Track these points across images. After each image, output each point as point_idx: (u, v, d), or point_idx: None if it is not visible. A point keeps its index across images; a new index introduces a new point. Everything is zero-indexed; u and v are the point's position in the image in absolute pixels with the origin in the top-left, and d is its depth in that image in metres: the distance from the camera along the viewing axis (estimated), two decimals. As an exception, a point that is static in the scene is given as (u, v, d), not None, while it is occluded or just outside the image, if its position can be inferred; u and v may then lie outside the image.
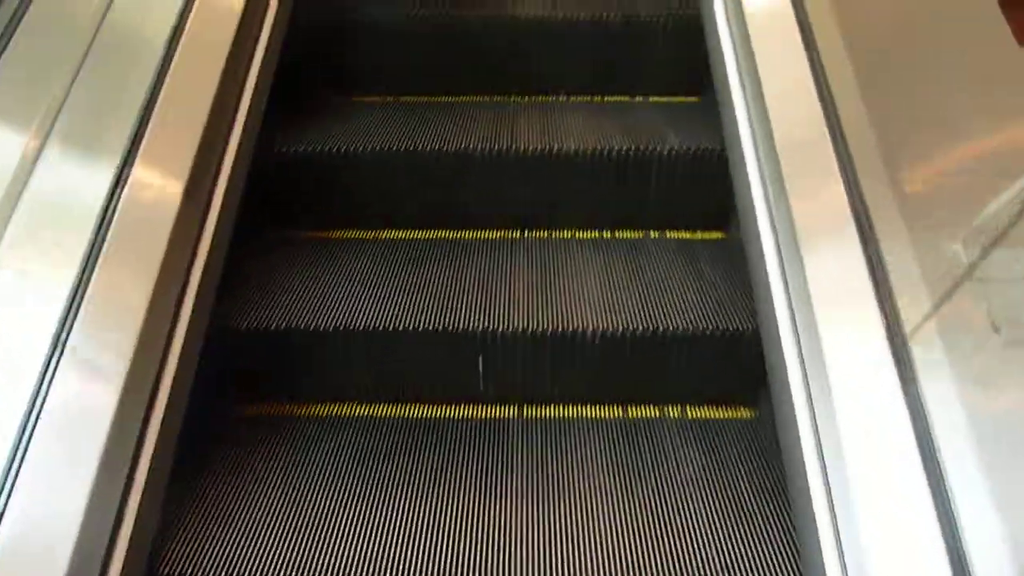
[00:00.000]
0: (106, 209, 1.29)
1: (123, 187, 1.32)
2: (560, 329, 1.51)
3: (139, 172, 1.35)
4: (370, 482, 1.41)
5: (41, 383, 1.11)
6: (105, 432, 1.11)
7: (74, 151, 1.38)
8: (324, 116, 1.97)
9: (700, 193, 1.82)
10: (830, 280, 1.27)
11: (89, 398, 1.15)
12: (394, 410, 1.59)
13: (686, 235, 1.85)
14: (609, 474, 1.43)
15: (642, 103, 2.08)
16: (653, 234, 1.85)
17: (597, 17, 2.02)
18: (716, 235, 1.85)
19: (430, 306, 1.56)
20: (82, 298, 1.20)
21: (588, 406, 1.60)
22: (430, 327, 1.51)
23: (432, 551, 1.28)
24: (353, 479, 1.42)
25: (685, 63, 2.04)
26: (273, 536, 1.31)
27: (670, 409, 1.59)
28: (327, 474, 1.43)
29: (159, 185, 1.40)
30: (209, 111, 1.51)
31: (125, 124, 1.40)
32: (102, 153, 1.36)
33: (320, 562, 1.26)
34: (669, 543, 1.29)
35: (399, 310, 1.55)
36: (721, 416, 1.59)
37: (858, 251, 1.22)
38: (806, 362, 1.26)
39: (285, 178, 1.84)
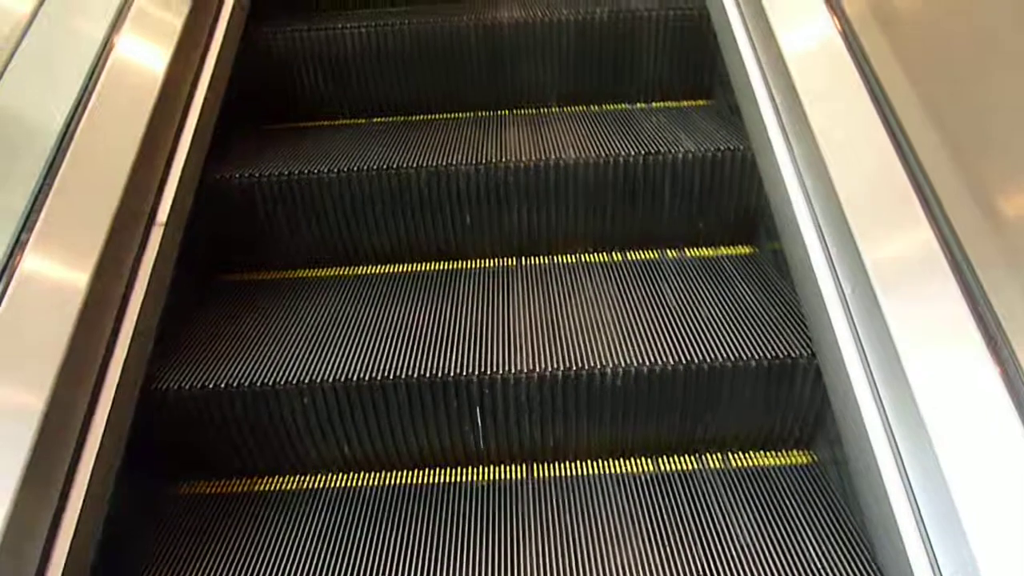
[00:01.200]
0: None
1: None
2: (572, 369, 1.24)
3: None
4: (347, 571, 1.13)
5: None
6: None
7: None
8: (287, 141, 1.73)
9: (722, 201, 1.57)
10: (907, 296, 1.02)
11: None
12: (374, 479, 1.32)
13: (709, 252, 1.60)
14: (644, 541, 1.16)
15: (645, 110, 1.84)
16: (670, 253, 1.60)
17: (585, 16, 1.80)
18: (744, 250, 1.59)
19: (413, 350, 1.30)
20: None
21: (612, 460, 1.32)
22: (413, 375, 1.24)
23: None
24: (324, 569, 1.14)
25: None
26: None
27: (710, 458, 1.32)
28: (292, 563, 1.15)
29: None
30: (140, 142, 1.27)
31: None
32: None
33: None
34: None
35: (376, 357, 1.28)
36: (772, 463, 1.32)
37: (944, 268, 0.97)
38: (884, 399, 1.01)
39: (238, 210, 1.58)
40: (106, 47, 1.34)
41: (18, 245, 1.05)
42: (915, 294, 1.01)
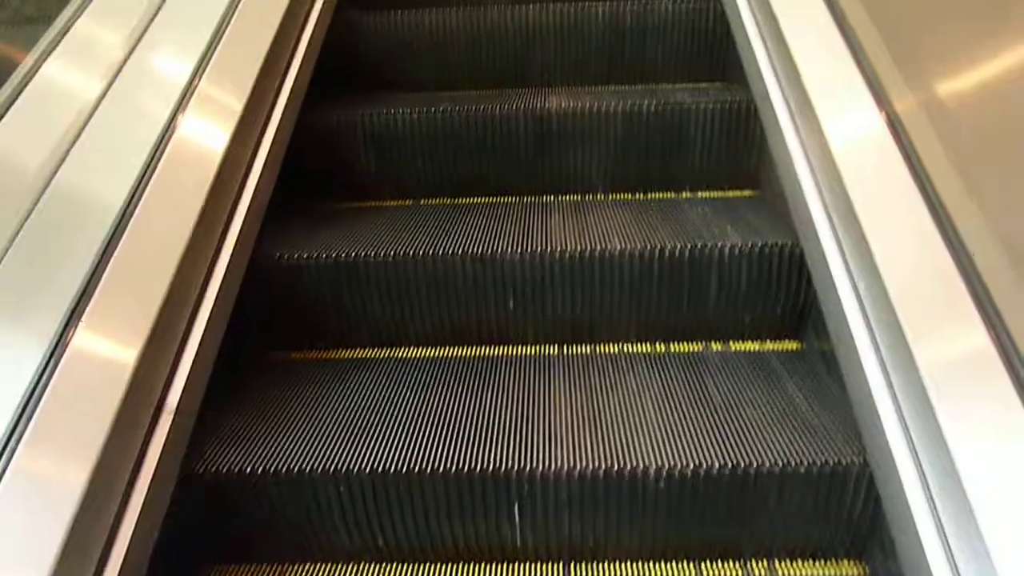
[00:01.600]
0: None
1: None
2: (615, 468, 1.21)
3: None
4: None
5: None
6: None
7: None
8: (337, 221, 1.76)
9: (768, 296, 1.54)
10: (961, 400, 0.98)
11: None
12: (408, 571, 1.28)
13: (755, 346, 1.57)
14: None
15: (691, 199, 1.85)
16: (716, 345, 1.57)
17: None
18: (792, 345, 1.56)
19: (452, 441, 1.28)
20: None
21: (652, 562, 1.28)
22: (451, 468, 1.22)
23: None
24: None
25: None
26: None
27: (755, 565, 1.27)
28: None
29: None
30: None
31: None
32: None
33: None
34: None
35: (414, 446, 1.27)
36: (821, 574, 1.26)
37: (1000, 372, 0.94)
38: (940, 509, 0.97)
39: (285, 290, 1.60)
40: (169, 128, 1.38)
41: (72, 319, 1.06)
42: (970, 398, 0.98)
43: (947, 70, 1.33)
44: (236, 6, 1.64)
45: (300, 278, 1.56)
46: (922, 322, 1.09)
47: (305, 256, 1.55)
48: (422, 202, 1.93)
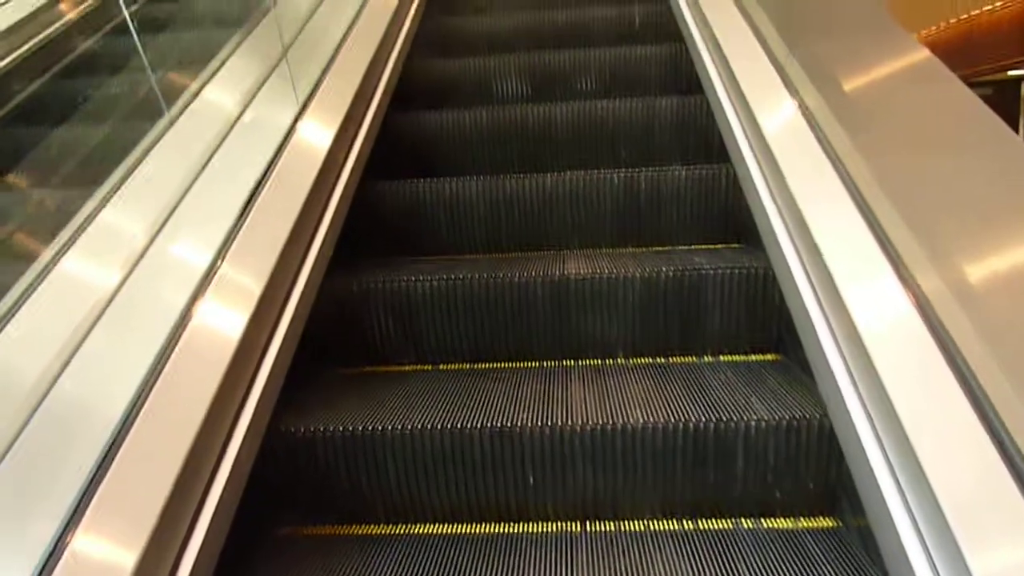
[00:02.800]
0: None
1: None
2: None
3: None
4: None
5: None
6: None
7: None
8: (354, 389, 1.74)
9: (799, 470, 1.48)
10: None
11: None
12: None
13: (787, 524, 1.49)
14: None
15: (713, 364, 1.82)
16: (746, 523, 1.50)
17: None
18: (827, 523, 1.48)
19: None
20: None
21: None
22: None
23: None
24: None
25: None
26: None
27: None
28: None
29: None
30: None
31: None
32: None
33: None
34: None
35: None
36: None
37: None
38: None
39: (300, 462, 1.56)
40: (185, 316, 1.38)
41: (79, 507, 1.03)
42: None
43: (971, 243, 1.33)
44: (266, 180, 1.70)
45: (314, 452, 1.53)
46: (967, 511, 1.03)
47: (321, 429, 1.53)
48: (441, 367, 1.91)
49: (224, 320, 1.38)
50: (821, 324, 1.49)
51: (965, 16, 8.81)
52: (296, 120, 1.97)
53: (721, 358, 1.86)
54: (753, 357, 1.85)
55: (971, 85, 1.51)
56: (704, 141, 2.50)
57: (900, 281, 1.31)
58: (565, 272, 1.86)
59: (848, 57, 2.08)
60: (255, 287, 1.46)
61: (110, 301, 1.27)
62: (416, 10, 3.29)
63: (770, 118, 1.92)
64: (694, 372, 1.75)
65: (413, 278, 1.89)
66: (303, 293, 1.64)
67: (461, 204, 2.22)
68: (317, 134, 2.00)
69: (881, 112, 1.79)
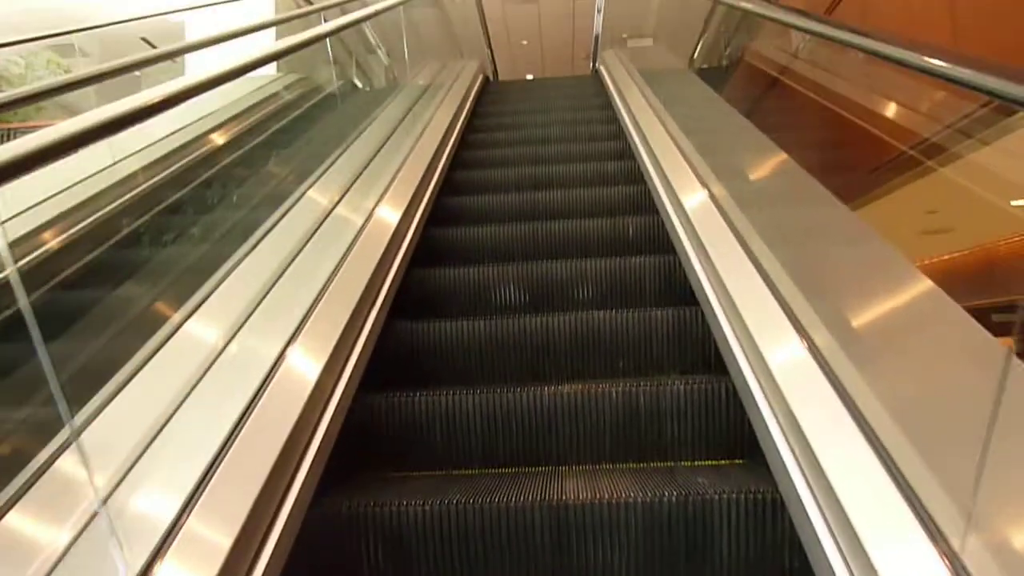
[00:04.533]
0: None
1: None
2: None
3: None
4: None
5: None
6: None
7: None
8: None
9: None
10: None
11: None
12: None
13: None
14: None
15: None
16: None
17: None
18: None
19: None
20: None
21: None
22: None
23: None
24: None
25: None
26: None
27: None
28: None
29: None
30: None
31: None
32: None
33: None
34: None
35: None
36: None
37: None
38: None
39: None
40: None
41: None
42: None
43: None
44: (256, 403, 1.67)
45: None
46: None
47: None
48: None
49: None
50: (837, 560, 1.39)
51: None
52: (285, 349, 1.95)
53: (734, 593, 1.73)
54: (766, 587, 1.72)
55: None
56: (702, 352, 2.50)
57: (926, 539, 1.23)
58: (563, 497, 1.78)
59: (832, 271, 2.13)
60: (233, 525, 1.37)
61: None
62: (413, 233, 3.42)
63: (766, 335, 1.92)
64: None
65: (405, 502, 1.80)
66: (286, 524, 1.56)
67: (458, 418, 2.18)
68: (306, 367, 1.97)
69: (875, 333, 1.80)
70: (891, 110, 2.98)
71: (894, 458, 1.39)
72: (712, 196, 2.84)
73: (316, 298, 2.20)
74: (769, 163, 3.09)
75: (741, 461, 2.12)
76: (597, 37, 9.34)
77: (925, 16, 4.09)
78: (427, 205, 3.61)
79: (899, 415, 1.46)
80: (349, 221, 2.83)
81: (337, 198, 2.98)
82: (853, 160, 3.54)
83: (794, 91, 4.22)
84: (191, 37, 9.47)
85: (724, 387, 2.14)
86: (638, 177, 3.98)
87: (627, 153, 4.52)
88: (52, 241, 2.66)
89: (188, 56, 5.02)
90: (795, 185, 2.70)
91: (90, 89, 2.14)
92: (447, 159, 4.40)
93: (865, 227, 2.19)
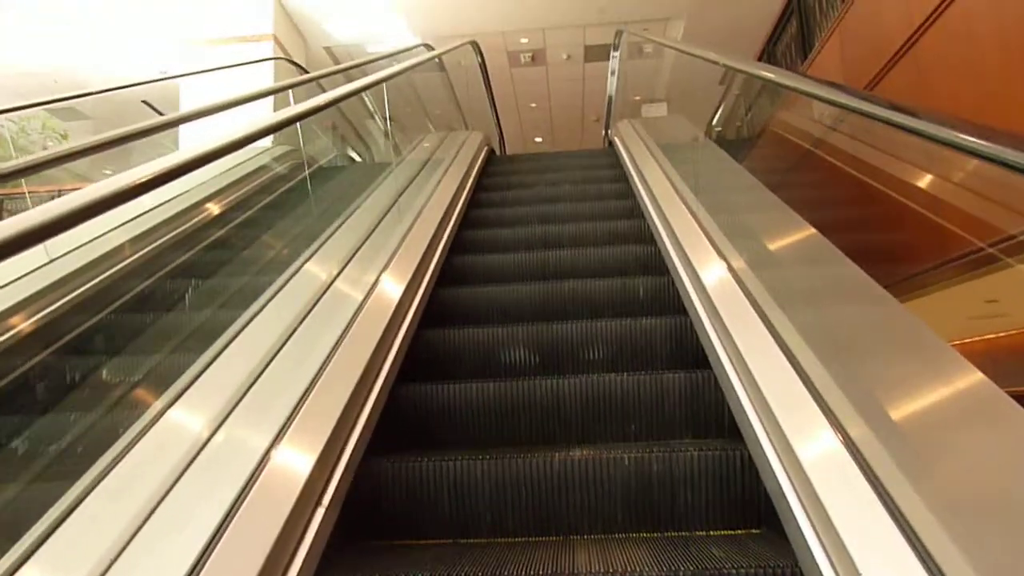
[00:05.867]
0: None
1: None
2: None
3: None
4: None
5: None
6: None
7: None
8: None
9: None
10: None
11: None
12: None
13: None
14: None
15: None
16: None
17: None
18: None
19: None
20: None
21: None
22: None
23: None
24: None
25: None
26: None
27: None
28: None
29: None
30: None
31: None
32: None
33: None
34: None
35: None
36: None
37: None
38: None
39: None
40: None
41: None
42: None
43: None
44: (256, 477, 1.63)
45: None
46: None
47: None
48: None
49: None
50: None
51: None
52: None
53: None
54: None
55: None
56: (716, 416, 2.45)
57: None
58: (575, 570, 1.72)
59: (850, 336, 2.09)
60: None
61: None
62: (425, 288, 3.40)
63: (782, 404, 1.88)
64: None
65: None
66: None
67: (466, 485, 2.13)
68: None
69: (896, 401, 1.76)
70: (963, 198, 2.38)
71: (917, 532, 1.34)
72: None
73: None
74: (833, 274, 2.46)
75: (757, 530, 2.05)
76: (611, 99, 8.87)
77: (1004, 90, 3.58)
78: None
79: (922, 488, 1.42)
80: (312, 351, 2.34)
81: (294, 327, 2.42)
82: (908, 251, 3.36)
83: (839, 169, 3.61)
84: (186, 100, 9.49)
85: (739, 455, 2.08)
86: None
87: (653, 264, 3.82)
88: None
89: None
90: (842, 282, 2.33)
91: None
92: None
93: (884, 294, 2.13)
